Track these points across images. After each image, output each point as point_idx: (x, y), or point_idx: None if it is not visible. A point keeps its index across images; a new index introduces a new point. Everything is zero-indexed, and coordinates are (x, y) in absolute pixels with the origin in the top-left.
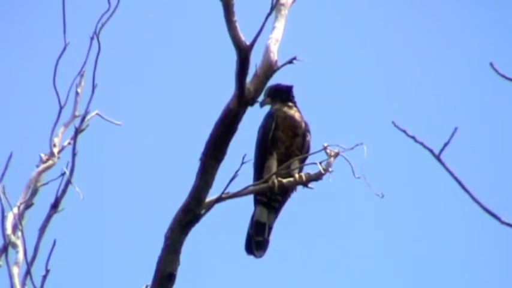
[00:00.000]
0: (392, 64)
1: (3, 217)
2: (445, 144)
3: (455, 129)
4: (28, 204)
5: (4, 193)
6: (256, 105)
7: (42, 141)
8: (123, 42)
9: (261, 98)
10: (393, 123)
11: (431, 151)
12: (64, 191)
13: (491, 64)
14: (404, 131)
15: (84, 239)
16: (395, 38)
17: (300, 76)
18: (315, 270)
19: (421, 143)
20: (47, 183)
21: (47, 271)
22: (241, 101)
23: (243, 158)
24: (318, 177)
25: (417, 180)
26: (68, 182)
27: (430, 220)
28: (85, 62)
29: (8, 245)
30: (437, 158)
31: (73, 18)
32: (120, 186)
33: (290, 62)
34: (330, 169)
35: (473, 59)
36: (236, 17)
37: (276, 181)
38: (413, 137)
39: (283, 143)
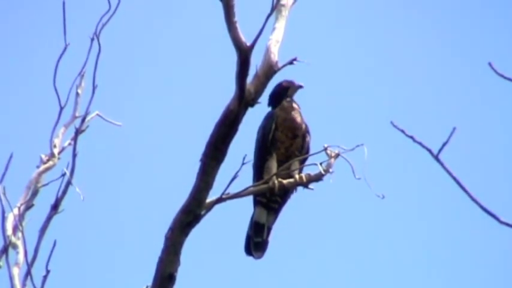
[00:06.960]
0: (392, 64)
1: (4, 218)
2: (444, 144)
3: (454, 129)
4: (28, 205)
5: (4, 194)
6: (257, 106)
7: (42, 142)
8: (124, 43)
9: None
10: (391, 123)
11: (429, 151)
12: (64, 192)
13: (489, 64)
14: (403, 131)
15: (85, 239)
16: (395, 38)
17: (301, 77)
18: (314, 271)
19: (420, 143)
20: (47, 184)
21: (48, 272)
22: (242, 102)
23: (243, 158)
24: (318, 178)
25: (416, 180)
26: (68, 183)
27: (429, 220)
28: (85, 63)
29: (9, 245)
30: (436, 158)
31: (73, 19)
32: (121, 187)
33: (291, 62)
34: (331, 170)
35: (472, 59)
36: (236, 18)
37: (276, 182)
38: (411, 137)
39: (283, 143)
